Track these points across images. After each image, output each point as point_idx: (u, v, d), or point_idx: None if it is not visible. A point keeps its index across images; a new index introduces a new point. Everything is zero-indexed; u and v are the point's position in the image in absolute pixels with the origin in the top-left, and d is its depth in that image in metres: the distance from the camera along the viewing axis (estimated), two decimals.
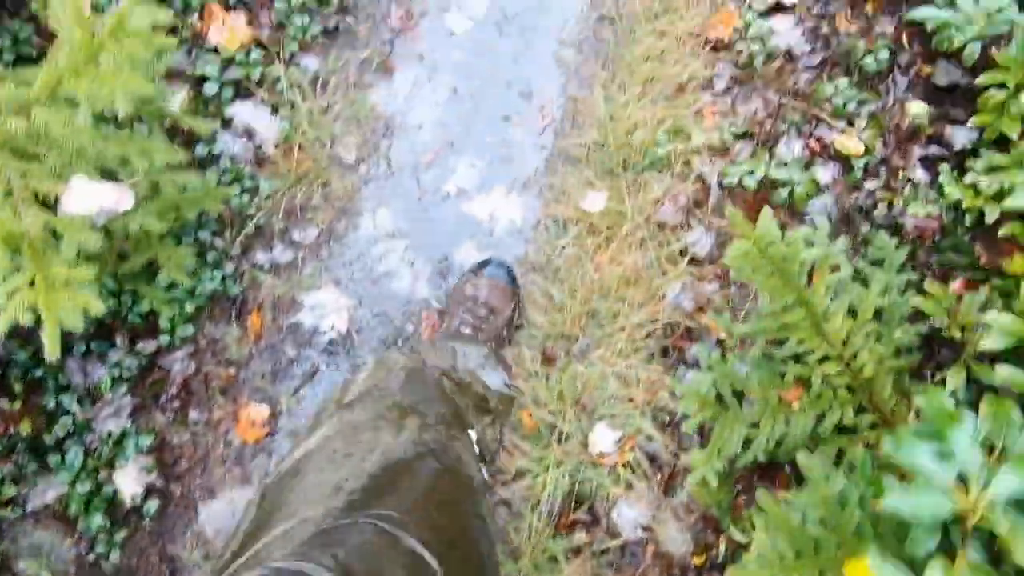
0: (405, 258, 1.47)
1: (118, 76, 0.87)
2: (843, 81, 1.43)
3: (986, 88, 1.28)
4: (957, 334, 1.09)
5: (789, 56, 1.48)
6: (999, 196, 1.31)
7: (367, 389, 1.06)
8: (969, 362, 1.08)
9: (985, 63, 1.32)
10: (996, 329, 0.95)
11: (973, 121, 1.33)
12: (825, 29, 1.48)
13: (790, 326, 1.15)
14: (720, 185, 1.41)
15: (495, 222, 1.47)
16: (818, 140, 1.44)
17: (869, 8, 1.47)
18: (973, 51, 1.30)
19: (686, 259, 1.39)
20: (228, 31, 1.36)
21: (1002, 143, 1.32)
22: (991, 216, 1.31)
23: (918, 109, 1.44)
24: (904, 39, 1.46)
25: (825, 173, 1.43)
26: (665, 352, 1.39)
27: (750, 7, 1.50)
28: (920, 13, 1.34)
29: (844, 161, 1.43)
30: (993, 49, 1.30)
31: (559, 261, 1.41)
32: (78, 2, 0.89)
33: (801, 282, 1.11)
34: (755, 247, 1.05)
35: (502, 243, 1.47)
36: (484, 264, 1.42)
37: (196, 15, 1.37)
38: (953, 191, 1.34)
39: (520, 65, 1.53)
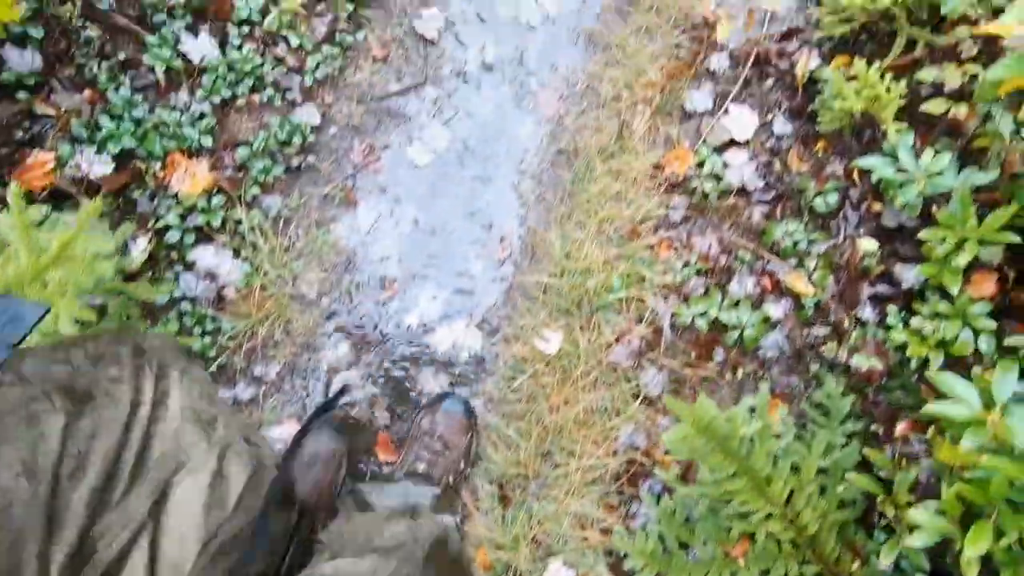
0: (366, 390, 1.49)
1: (61, 298, 0.89)
2: (794, 223, 1.46)
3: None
4: (891, 512, 1.12)
5: (743, 191, 1.52)
6: (943, 344, 1.35)
7: (396, 544, 1.10)
8: (902, 541, 1.11)
9: (929, 214, 1.36)
10: (920, 526, 0.98)
11: (918, 270, 1.36)
12: (778, 166, 1.52)
13: (732, 491, 1.17)
14: (673, 326, 1.44)
15: (455, 354, 1.50)
16: (770, 277, 1.47)
17: (820, 147, 1.50)
18: (916, 207, 1.33)
19: (639, 400, 1.42)
20: (190, 178, 1.39)
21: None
22: (936, 363, 1.34)
23: (868, 246, 1.47)
24: (855, 175, 1.49)
25: (777, 309, 1.46)
26: (620, 490, 1.41)
27: (705, 142, 1.53)
28: (866, 162, 1.37)
29: (796, 297, 1.46)
30: (935, 207, 1.33)
31: (515, 399, 1.44)
32: (25, 221, 0.92)
33: (743, 454, 1.13)
34: (695, 429, 1.08)
35: (462, 375, 1.49)
36: (442, 398, 1.45)
37: (158, 164, 1.39)
38: (899, 336, 1.37)
39: (481, 196, 1.56)
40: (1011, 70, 0.91)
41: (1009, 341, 1.24)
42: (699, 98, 1.55)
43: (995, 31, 0.94)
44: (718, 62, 1.56)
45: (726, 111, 1.54)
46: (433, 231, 1.55)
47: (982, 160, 1.35)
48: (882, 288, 1.46)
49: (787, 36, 1.52)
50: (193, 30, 1.45)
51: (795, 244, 1.45)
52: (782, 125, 1.53)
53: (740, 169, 1.52)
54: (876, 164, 1.37)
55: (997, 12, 1.33)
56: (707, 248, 1.49)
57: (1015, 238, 1.22)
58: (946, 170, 1.28)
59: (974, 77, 1.33)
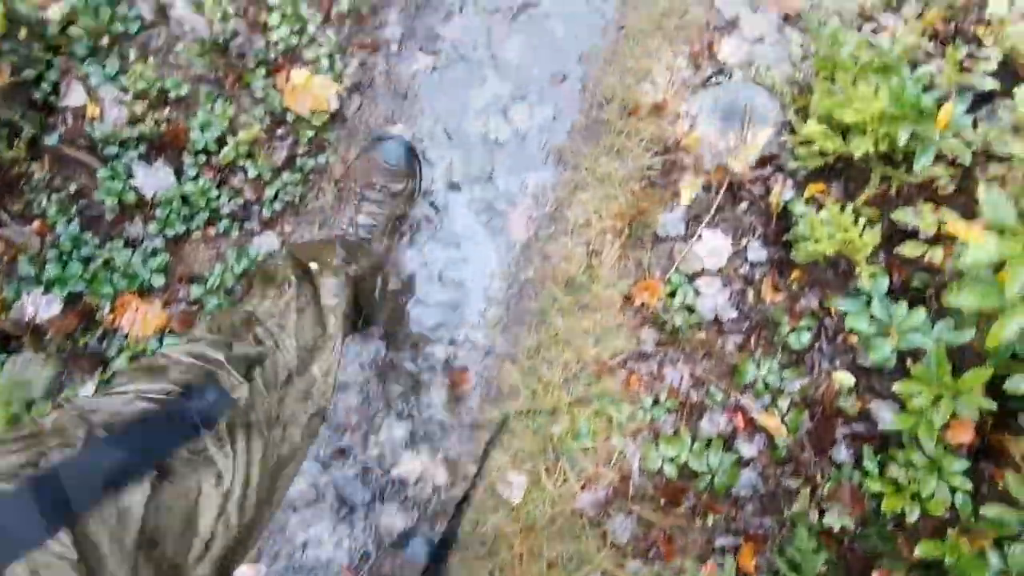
0: (328, 522, 1.44)
1: None
2: (768, 361, 1.42)
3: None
4: None
5: (715, 321, 1.47)
6: (918, 498, 1.30)
7: None
8: None
9: (905, 363, 1.31)
10: None
11: (894, 420, 1.32)
12: (751, 296, 1.47)
13: None
14: (641, 471, 1.39)
15: (422, 488, 1.45)
16: (743, 414, 1.43)
17: (795, 277, 1.45)
18: (891, 361, 1.28)
19: (607, 546, 1.37)
20: (141, 319, 1.34)
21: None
22: (911, 517, 1.30)
23: (845, 380, 1.42)
24: (831, 308, 1.44)
25: (750, 447, 1.42)
26: None
27: (677, 270, 1.48)
28: (841, 305, 1.33)
29: (770, 435, 1.42)
30: (910, 359, 1.29)
31: (479, 545, 1.39)
32: None
33: None
34: None
35: (426, 511, 1.45)
36: (406, 538, 1.41)
37: (108, 305, 1.34)
38: (874, 484, 1.33)
39: (447, 324, 1.51)
40: (973, 299, 0.87)
41: (985, 511, 1.20)
42: (671, 222, 1.50)
43: (957, 233, 0.90)
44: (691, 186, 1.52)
45: (699, 237, 1.50)
46: (399, 360, 1.50)
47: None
48: (858, 427, 1.42)
49: (762, 163, 1.48)
50: (147, 159, 1.40)
51: (767, 385, 1.41)
52: (756, 251, 1.49)
53: (713, 298, 1.48)
54: (850, 309, 1.32)
55: (973, 162, 1.29)
56: (678, 383, 1.45)
57: (991, 404, 1.17)
58: (921, 327, 1.24)
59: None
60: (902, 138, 1.19)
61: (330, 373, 1.02)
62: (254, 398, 0.86)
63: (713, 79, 1.55)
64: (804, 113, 1.44)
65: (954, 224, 0.95)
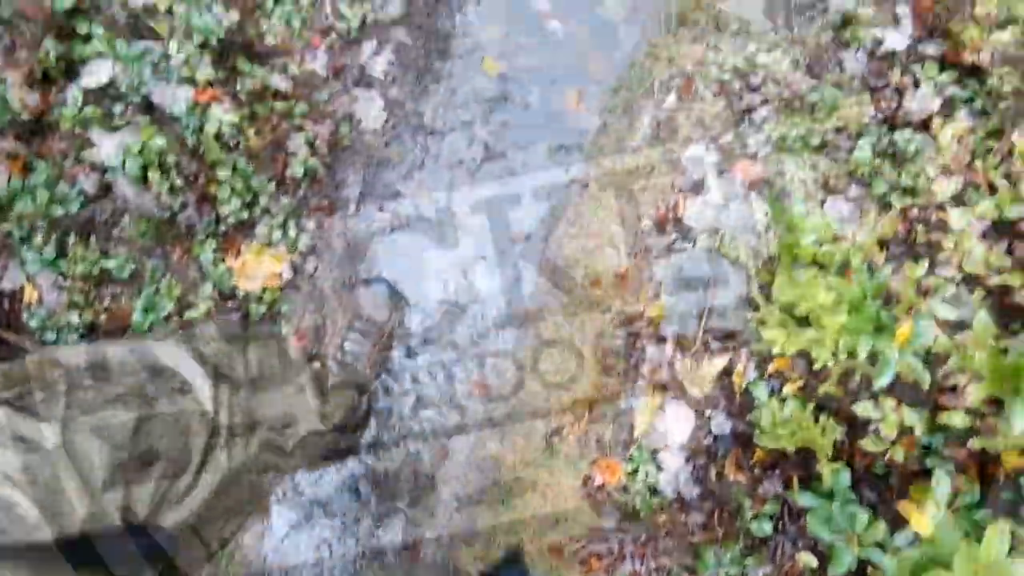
0: None
1: None
2: (730, 546, 1.39)
3: None
4: None
5: (678, 499, 1.44)
6: None
7: None
8: None
9: (865, 571, 1.29)
10: None
11: None
12: (713, 474, 1.45)
13: None
14: None
15: None
16: None
17: (758, 457, 1.43)
18: (853, 565, 1.26)
19: None
20: None
21: None
22: None
23: (808, 561, 1.40)
24: (794, 484, 1.42)
25: None
26: None
27: (639, 446, 1.45)
28: (803, 501, 1.31)
29: None
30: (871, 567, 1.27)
31: None
32: None
33: None
34: None
35: None
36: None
37: None
38: None
39: (403, 497, 1.47)
40: None
41: None
42: (634, 396, 1.47)
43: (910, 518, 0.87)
44: (655, 354, 1.49)
45: (662, 410, 1.47)
46: (360, 551, 1.45)
47: None
48: None
49: (728, 336, 1.46)
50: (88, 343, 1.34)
51: (729, 575, 1.38)
52: (720, 425, 1.46)
53: (675, 474, 1.45)
54: (812, 505, 1.30)
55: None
56: (639, 566, 1.42)
57: None
58: (882, 539, 1.22)
59: (911, 429, 1.27)
60: (862, 353, 1.17)
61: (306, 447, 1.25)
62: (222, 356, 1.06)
63: (677, 244, 1.53)
64: (767, 290, 1.42)
65: (906, 507, 0.94)
